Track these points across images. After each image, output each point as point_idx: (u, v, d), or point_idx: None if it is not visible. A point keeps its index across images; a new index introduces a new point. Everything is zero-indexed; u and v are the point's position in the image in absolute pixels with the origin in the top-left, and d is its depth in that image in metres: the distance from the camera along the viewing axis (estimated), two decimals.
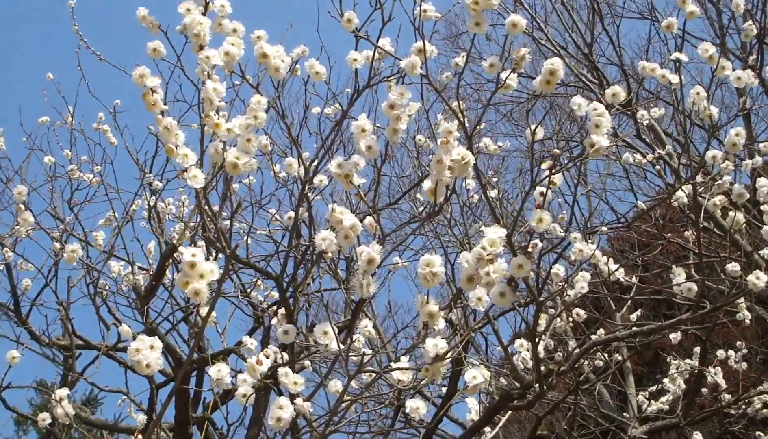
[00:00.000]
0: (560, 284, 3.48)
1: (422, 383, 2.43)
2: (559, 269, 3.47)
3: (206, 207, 2.38)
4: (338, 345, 2.30)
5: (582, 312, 4.27)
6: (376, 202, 2.42)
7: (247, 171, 2.31)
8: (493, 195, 5.46)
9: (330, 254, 2.33)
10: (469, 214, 5.38)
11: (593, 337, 4.18)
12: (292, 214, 4.01)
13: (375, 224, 2.47)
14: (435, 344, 2.10)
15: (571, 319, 4.30)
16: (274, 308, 4.10)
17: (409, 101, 2.36)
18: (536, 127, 2.67)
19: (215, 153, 2.32)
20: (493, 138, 10.40)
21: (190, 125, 4.55)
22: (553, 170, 2.36)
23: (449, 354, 2.14)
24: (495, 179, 6.15)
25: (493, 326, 4.63)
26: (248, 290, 5.10)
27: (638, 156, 6.13)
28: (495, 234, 2.02)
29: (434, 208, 2.41)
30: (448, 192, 2.39)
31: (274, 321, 3.26)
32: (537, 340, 3.14)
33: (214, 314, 3.22)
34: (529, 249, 2.23)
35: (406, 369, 2.34)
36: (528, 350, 3.80)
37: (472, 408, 2.86)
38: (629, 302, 7.26)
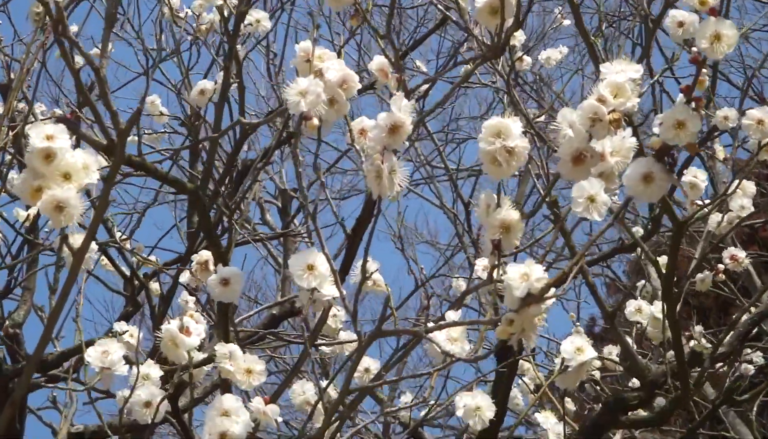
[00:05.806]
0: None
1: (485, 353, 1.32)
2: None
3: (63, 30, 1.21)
4: (339, 290, 1.21)
5: (741, 255, 2.43)
6: (394, 29, 1.36)
7: None
8: None
9: (314, 123, 1.20)
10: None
11: None
12: (208, 85, 2.38)
13: (392, 69, 1.37)
14: (524, 274, 1.08)
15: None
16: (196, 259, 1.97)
17: None
18: None
19: None
20: None
21: None
22: None
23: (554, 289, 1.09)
24: None
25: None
26: (123, 238, 2.85)
27: None
28: (623, 72, 1.07)
29: (498, 37, 1.33)
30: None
31: (185, 277, 1.78)
32: (678, 290, 1.82)
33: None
34: (698, 89, 1.10)
35: (464, 324, 1.23)
36: (647, 313, 2.20)
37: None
38: None
